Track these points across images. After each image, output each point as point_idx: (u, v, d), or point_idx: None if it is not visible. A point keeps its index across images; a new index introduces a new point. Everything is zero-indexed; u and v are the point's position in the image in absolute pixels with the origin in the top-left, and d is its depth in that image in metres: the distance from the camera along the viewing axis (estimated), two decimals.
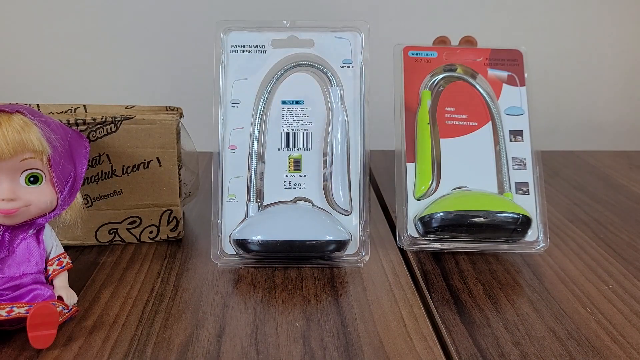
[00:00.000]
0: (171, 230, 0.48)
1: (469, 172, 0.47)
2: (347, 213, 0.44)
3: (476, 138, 0.48)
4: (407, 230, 0.46)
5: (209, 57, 0.44)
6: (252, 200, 0.44)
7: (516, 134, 0.48)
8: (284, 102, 0.45)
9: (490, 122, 0.48)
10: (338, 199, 0.44)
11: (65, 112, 0.48)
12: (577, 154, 0.78)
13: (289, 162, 0.45)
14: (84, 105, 0.48)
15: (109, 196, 0.46)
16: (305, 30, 0.45)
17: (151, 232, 0.47)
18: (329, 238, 0.42)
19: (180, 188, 0.47)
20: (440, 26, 0.80)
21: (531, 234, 0.46)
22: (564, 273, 0.44)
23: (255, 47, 0.45)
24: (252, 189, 0.44)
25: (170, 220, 0.47)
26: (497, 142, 0.48)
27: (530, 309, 0.39)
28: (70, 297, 0.36)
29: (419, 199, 0.47)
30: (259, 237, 0.41)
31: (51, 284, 0.37)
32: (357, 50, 0.45)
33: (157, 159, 0.45)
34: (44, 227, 0.37)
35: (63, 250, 0.38)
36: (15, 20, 0.75)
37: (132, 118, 0.44)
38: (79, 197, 0.39)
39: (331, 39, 0.45)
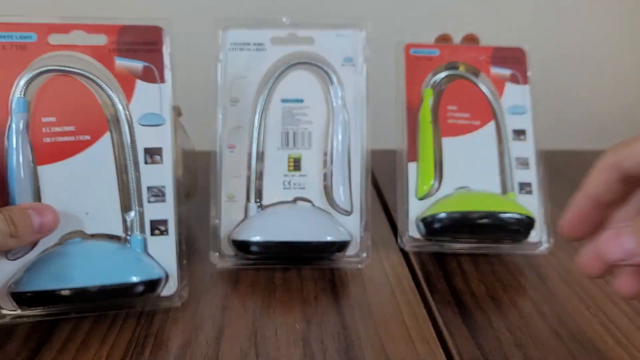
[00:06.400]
0: None
1: (471, 172, 0.47)
2: (348, 213, 0.44)
3: (479, 137, 0.48)
4: (408, 231, 0.46)
5: (208, 55, 0.44)
6: (251, 200, 0.44)
7: (519, 133, 0.48)
8: (284, 101, 0.45)
9: (493, 120, 0.48)
10: (338, 199, 0.44)
11: None
12: (582, 153, 0.77)
13: (289, 162, 0.44)
14: None
15: None
16: (305, 28, 0.45)
17: None
18: (329, 239, 0.42)
19: (178, 188, 0.46)
20: (442, 24, 0.80)
21: (535, 235, 0.45)
22: (568, 274, 0.43)
23: (254, 44, 0.44)
24: (251, 189, 0.44)
25: None
26: (500, 141, 0.48)
27: (533, 310, 0.38)
28: None
29: (421, 199, 0.46)
30: (258, 238, 0.41)
31: None
32: (358, 48, 0.45)
33: None
34: None
35: None
36: None
37: None
38: None
39: (332, 36, 0.45)
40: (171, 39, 0.39)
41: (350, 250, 0.43)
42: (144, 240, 0.37)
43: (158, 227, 0.37)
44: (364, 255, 0.43)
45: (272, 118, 0.45)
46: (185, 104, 0.49)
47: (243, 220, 0.43)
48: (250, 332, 0.35)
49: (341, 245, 0.42)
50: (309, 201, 0.44)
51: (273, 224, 0.42)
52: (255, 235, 0.41)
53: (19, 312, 0.35)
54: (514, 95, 0.49)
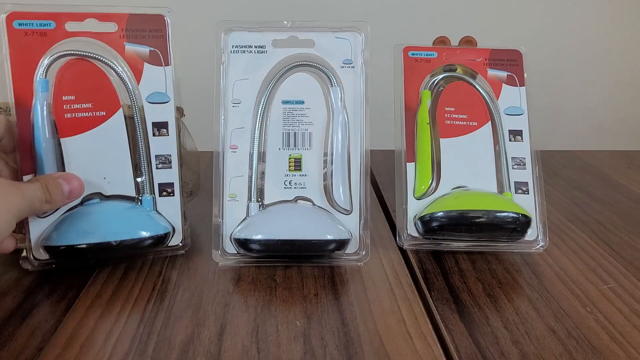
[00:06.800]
0: None
1: (468, 172, 0.47)
2: (348, 212, 0.44)
3: (476, 138, 0.48)
4: (407, 230, 0.46)
5: (210, 57, 0.44)
6: (253, 199, 0.44)
7: (516, 133, 0.48)
8: (285, 102, 0.45)
9: (489, 122, 0.49)
10: (338, 198, 0.44)
11: None
12: (577, 153, 0.78)
13: (290, 162, 0.45)
14: None
15: None
16: (305, 31, 0.45)
17: None
18: (329, 237, 0.42)
19: (181, 187, 0.47)
20: (440, 26, 0.81)
21: (531, 234, 0.46)
22: (564, 272, 0.44)
23: (256, 47, 0.45)
24: (253, 188, 0.44)
25: None
26: (496, 142, 0.48)
27: (529, 308, 0.39)
28: None
29: (419, 199, 0.47)
30: (259, 237, 0.42)
31: None
32: (357, 50, 0.45)
33: None
34: None
35: None
36: None
37: None
38: None
39: (331, 39, 0.45)
40: (175, 38, 0.43)
41: (350, 249, 0.44)
42: (154, 200, 0.43)
43: (165, 189, 0.43)
44: (363, 253, 0.44)
45: (273, 119, 0.45)
46: (188, 105, 0.50)
47: (245, 219, 0.44)
48: (251, 328, 0.36)
49: (341, 244, 0.43)
50: (310, 200, 0.45)
51: (274, 222, 0.43)
52: (257, 233, 0.42)
53: (49, 260, 0.40)
54: (511, 97, 0.49)
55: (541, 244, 0.46)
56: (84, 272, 0.42)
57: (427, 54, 0.50)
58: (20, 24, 0.39)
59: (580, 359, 0.34)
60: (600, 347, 0.35)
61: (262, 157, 0.45)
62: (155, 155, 0.43)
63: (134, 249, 0.41)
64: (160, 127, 0.42)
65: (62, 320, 0.36)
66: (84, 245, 0.39)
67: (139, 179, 0.42)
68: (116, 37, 0.41)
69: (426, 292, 0.41)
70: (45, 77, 0.40)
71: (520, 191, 0.47)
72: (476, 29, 0.81)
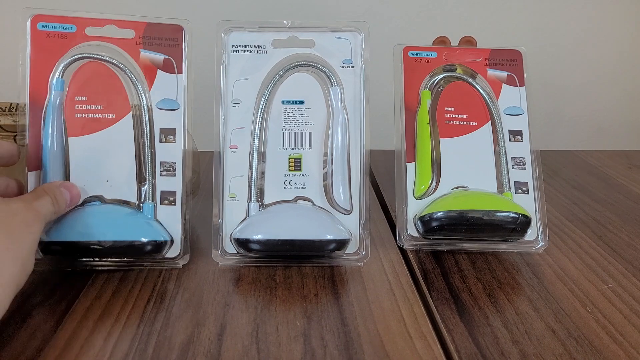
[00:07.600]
0: None
1: (468, 172, 0.47)
2: (348, 212, 0.44)
3: (476, 138, 0.48)
4: (407, 230, 0.46)
5: (210, 57, 0.44)
6: (252, 199, 0.44)
7: (516, 133, 0.48)
8: (285, 102, 0.45)
9: (489, 122, 0.49)
10: (338, 198, 0.44)
11: None
12: (577, 153, 0.78)
13: (290, 162, 0.45)
14: None
15: None
16: (305, 31, 0.45)
17: None
18: (329, 237, 0.42)
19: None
20: (440, 26, 0.81)
21: (530, 234, 0.46)
22: (564, 272, 0.44)
23: (256, 47, 0.45)
24: (252, 188, 0.44)
25: None
26: (496, 142, 0.48)
27: (529, 308, 0.39)
28: None
29: (418, 199, 0.47)
30: (259, 237, 0.42)
31: None
32: (357, 50, 0.45)
33: None
34: None
35: None
36: None
37: None
38: None
39: (331, 39, 0.45)
40: (190, 38, 0.44)
41: (350, 249, 0.44)
42: (155, 208, 0.42)
43: (167, 197, 0.42)
44: (363, 253, 0.44)
45: (273, 119, 0.45)
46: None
47: (245, 219, 0.44)
48: (251, 328, 0.36)
49: (341, 244, 0.43)
50: (310, 200, 0.45)
51: (274, 222, 0.43)
52: (257, 233, 0.42)
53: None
54: (511, 97, 0.49)
55: (541, 244, 0.46)
56: (83, 272, 0.42)
57: (427, 54, 0.50)
58: (43, 26, 0.41)
59: (580, 359, 0.34)
60: (600, 347, 0.35)
61: (262, 157, 0.45)
62: (160, 162, 0.42)
63: (129, 253, 0.40)
64: (167, 133, 0.42)
65: (62, 321, 0.36)
66: (75, 242, 0.39)
67: (141, 185, 0.42)
68: (132, 43, 0.42)
69: (426, 292, 0.41)
70: (62, 77, 0.41)
71: (520, 191, 0.47)
72: (476, 29, 0.81)
